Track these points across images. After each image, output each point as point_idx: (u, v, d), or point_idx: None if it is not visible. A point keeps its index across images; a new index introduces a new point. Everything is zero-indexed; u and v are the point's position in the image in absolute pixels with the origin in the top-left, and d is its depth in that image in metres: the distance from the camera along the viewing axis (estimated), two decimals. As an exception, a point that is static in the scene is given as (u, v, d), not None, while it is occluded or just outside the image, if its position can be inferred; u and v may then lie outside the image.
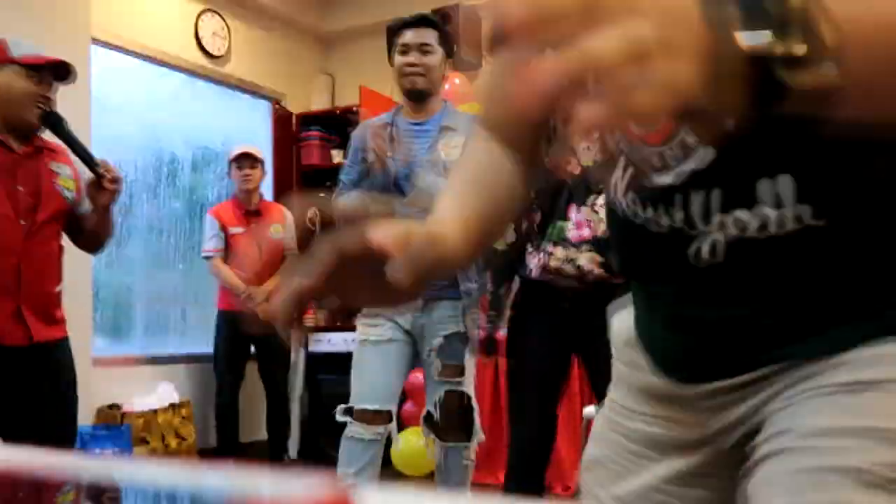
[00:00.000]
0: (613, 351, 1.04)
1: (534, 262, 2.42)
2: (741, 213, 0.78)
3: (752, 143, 0.73)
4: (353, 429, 2.97)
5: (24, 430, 2.50)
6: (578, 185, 2.42)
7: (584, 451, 1.03)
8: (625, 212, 0.89)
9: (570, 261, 2.37)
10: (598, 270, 2.38)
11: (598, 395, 2.46)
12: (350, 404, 3.00)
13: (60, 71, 2.61)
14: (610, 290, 2.40)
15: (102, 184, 2.55)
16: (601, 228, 2.38)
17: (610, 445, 0.99)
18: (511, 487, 2.50)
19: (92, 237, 2.78)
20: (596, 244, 2.38)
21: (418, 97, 3.01)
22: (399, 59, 3.00)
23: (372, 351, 2.99)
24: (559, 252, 2.39)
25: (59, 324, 2.66)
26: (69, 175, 2.63)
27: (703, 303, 0.85)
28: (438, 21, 3.09)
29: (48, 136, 2.66)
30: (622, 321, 1.03)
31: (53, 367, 2.63)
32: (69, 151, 2.60)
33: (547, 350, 2.45)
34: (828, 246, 0.78)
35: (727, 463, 0.87)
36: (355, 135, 3.15)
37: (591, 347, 2.41)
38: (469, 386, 2.96)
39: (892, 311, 0.79)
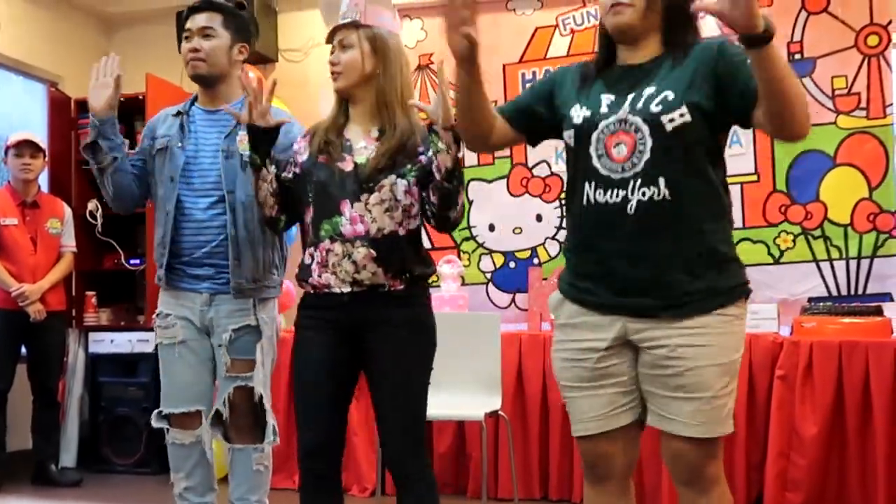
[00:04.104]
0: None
1: (313, 259, 2.39)
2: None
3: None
4: (171, 434, 2.92)
5: None
6: (350, 182, 2.39)
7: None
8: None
9: (347, 255, 2.35)
10: (371, 266, 2.36)
11: (374, 392, 2.44)
12: (160, 409, 2.93)
13: None
14: (385, 293, 2.40)
15: None
16: (375, 228, 2.36)
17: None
18: (306, 495, 2.45)
19: None
20: (371, 242, 2.36)
21: (203, 83, 2.96)
22: (183, 45, 2.94)
23: (169, 353, 2.93)
24: (336, 248, 2.36)
25: None
26: None
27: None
28: (225, 5, 2.98)
29: None
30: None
31: None
32: None
33: (331, 355, 2.42)
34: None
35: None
36: (149, 121, 3.13)
37: (372, 347, 2.41)
38: (261, 384, 2.88)
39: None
